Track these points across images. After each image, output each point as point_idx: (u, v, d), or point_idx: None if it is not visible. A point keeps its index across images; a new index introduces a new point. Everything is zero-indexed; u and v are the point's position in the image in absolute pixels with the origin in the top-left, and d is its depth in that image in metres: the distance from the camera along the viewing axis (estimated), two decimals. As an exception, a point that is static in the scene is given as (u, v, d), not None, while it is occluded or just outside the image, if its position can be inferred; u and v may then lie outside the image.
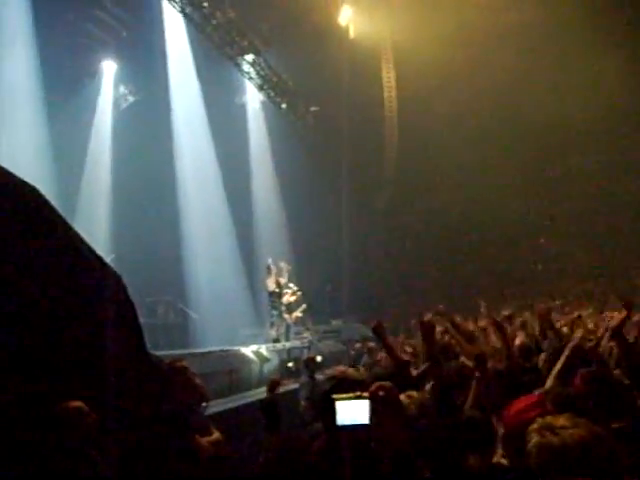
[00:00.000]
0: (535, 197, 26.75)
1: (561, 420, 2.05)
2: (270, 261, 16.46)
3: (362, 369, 7.46)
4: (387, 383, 1.82)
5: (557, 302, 23.79)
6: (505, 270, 26.35)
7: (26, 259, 2.53)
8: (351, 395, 1.82)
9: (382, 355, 7.48)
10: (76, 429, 2.12)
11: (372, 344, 10.91)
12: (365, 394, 1.79)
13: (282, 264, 16.83)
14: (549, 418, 2.13)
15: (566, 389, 3.42)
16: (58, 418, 2.15)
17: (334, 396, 1.84)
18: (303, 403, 9.08)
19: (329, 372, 2.35)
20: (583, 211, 26.12)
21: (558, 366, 4.15)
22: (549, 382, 4.01)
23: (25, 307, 2.49)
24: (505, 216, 26.73)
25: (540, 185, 26.73)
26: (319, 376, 8.73)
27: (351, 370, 2.41)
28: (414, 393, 2.90)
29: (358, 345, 13.98)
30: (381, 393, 1.75)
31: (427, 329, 3.87)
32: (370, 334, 6.03)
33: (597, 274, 24.92)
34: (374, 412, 1.74)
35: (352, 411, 1.79)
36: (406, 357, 4.89)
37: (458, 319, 6.73)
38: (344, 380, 2.21)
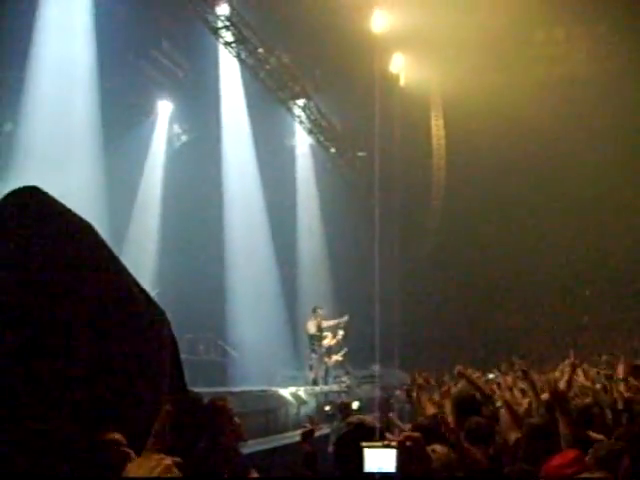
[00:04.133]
0: (584, 248, 26.22)
1: (599, 474, 2.02)
2: (320, 308, 16.52)
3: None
4: (415, 433, 1.85)
5: (604, 357, 23.17)
6: (551, 322, 25.86)
7: (77, 297, 2.62)
8: (379, 444, 1.86)
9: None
10: (111, 459, 2.18)
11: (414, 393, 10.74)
12: (393, 443, 1.82)
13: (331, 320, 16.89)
14: (588, 474, 2.11)
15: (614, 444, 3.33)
16: (98, 447, 2.22)
17: (363, 443, 1.88)
18: (330, 449, 8.95)
19: (349, 419, 2.41)
20: (630, 263, 25.54)
21: None
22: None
23: (72, 342, 2.57)
24: (552, 267, 26.32)
25: (589, 236, 26.21)
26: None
27: (368, 418, 2.45)
28: (438, 447, 2.88)
29: (398, 392, 13.74)
30: (408, 443, 1.78)
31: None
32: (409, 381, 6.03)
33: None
34: (401, 461, 1.77)
35: (380, 459, 1.82)
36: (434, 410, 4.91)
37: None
38: (360, 426, 2.24)
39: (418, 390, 5.66)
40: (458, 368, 6.22)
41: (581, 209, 26.14)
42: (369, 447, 1.86)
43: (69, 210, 3.18)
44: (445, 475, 2.67)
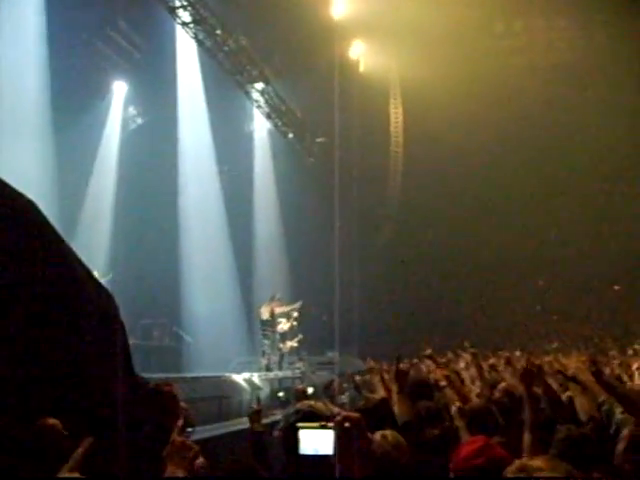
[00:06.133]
0: (539, 237, 26.66)
1: (538, 462, 1.96)
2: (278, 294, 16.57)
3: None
4: (354, 414, 1.77)
5: (554, 345, 23.68)
6: (504, 310, 26.24)
7: (16, 274, 2.51)
8: (316, 424, 1.78)
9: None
10: (49, 447, 2.10)
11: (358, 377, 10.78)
12: (330, 424, 1.74)
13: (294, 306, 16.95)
14: (526, 459, 2.05)
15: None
16: (33, 435, 2.14)
17: (298, 424, 1.80)
18: (276, 434, 8.77)
19: (299, 406, 2.30)
20: (583, 254, 26.07)
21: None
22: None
23: (11, 323, 2.47)
24: (506, 255, 26.67)
25: (545, 225, 26.66)
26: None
27: (319, 404, 2.35)
28: (388, 432, 2.77)
29: (359, 378, 13.63)
30: (347, 424, 1.70)
31: (401, 376, 3.99)
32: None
33: (595, 318, 24.82)
34: (339, 443, 1.69)
35: (316, 441, 1.74)
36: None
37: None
38: (310, 414, 2.14)
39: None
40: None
41: (536, 198, 26.56)
42: (304, 428, 1.78)
43: (10, 187, 3.05)
44: (395, 459, 2.59)
